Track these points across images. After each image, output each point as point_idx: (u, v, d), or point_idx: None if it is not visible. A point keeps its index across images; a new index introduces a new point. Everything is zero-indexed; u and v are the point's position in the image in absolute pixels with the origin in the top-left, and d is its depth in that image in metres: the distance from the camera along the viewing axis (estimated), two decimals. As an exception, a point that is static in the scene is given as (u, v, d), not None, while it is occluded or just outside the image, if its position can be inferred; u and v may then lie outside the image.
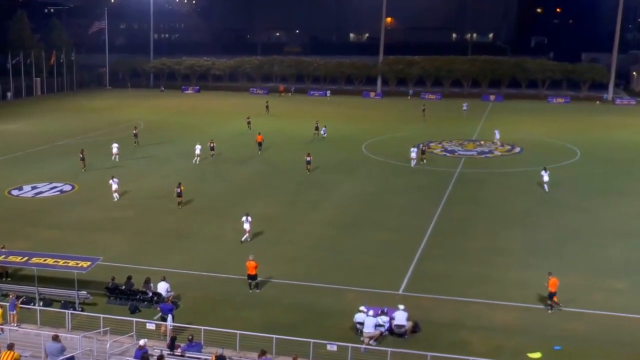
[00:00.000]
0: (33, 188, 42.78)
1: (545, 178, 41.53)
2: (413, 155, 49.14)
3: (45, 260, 25.34)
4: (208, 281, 28.05)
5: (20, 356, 18.83)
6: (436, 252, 31.27)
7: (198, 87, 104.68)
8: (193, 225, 35.18)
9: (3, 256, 26.05)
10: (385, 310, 23.42)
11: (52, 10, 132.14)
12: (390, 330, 23.05)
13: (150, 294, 25.24)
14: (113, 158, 50.37)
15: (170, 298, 24.20)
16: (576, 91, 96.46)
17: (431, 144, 57.70)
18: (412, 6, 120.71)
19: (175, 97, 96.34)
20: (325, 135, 60.76)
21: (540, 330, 23.42)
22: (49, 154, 54.00)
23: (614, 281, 27.59)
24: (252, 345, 20.82)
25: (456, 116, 77.09)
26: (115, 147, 50.91)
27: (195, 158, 50.10)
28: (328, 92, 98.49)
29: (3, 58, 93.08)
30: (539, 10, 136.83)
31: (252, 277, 26.68)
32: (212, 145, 51.82)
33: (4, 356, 18.22)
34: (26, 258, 25.68)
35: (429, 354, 19.71)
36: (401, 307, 23.35)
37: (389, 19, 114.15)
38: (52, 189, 42.80)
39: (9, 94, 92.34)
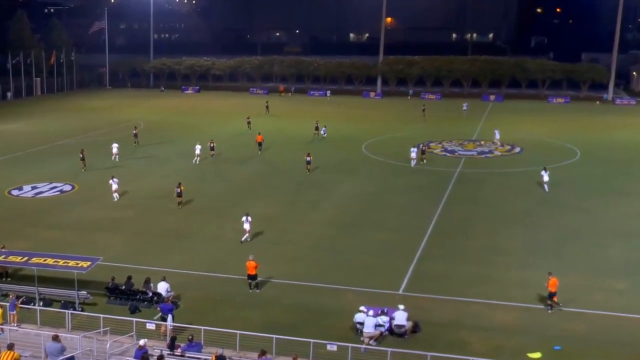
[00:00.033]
0: (33, 188, 42.79)
1: (545, 178, 41.54)
2: (413, 155, 49.15)
3: (45, 260, 25.35)
4: (208, 281, 28.05)
5: (20, 356, 18.82)
6: (436, 252, 31.28)
7: (198, 87, 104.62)
8: (193, 225, 35.18)
9: (3, 256, 26.05)
10: (385, 310, 23.43)
11: (52, 10, 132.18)
12: (390, 330, 23.05)
13: (150, 294, 25.24)
14: (113, 158, 50.37)
15: (170, 298, 24.21)
16: (576, 91, 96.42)
17: (431, 144, 57.69)
18: (412, 6, 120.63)
19: (175, 97, 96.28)
20: (325, 135, 60.74)
21: (540, 330, 23.42)
22: (49, 154, 53.99)
23: (614, 281, 27.59)
24: (252, 345, 20.82)
25: (456, 116, 77.04)
26: (115, 147, 50.91)
27: (195, 158, 50.10)
28: (328, 92, 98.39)
29: (3, 58, 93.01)
30: (539, 10, 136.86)
31: (252, 277, 26.69)
32: (212, 145, 51.82)
33: (4, 356, 18.21)
34: (26, 258, 25.69)
35: (429, 354, 19.72)
36: (401, 307, 23.36)
37: (389, 19, 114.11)
38: (52, 189, 42.80)
39: (9, 94, 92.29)
